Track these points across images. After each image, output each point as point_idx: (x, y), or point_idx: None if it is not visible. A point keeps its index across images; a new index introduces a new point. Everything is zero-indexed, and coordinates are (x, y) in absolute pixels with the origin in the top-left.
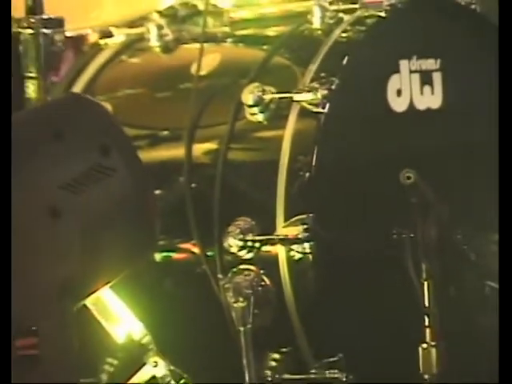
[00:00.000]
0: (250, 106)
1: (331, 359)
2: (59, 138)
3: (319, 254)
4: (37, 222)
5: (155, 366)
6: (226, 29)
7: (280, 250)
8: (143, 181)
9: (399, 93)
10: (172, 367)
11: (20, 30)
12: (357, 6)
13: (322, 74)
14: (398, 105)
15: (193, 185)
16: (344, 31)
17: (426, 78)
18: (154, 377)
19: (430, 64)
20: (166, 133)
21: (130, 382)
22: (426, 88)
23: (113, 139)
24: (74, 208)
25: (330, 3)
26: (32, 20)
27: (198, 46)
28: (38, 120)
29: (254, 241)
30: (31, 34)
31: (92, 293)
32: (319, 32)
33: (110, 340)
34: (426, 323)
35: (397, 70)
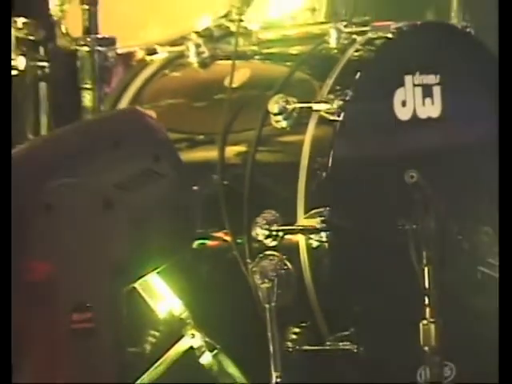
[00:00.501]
0: (275, 114)
1: (344, 333)
2: (118, 147)
3: (334, 241)
4: (92, 212)
5: (192, 338)
6: (255, 48)
7: (300, 239)
8: (186, 184)
9: (404, 104)
10: (206, 339)
11: (78, 47)
12: (367, 28)
13: (338, 87)
14: (403, 114)
15: (225, 182)
16: (356, 50)
17: (427, 91)
18: (191, 347)
19: (431, 79)
20: (202, 137)
21: (170, 351)
22: (427, 100)
23: (163, 149)
24: (125, 202)
25: (345, 26)
26: (88, 39)
27: (230, 62)
28: (101, 130)
29: (277, 230)
30: (87, 51)
31: (141, 277)
32: (335, 51)
33: (154, 315)
34: (426, 303)
35: (402, 84)
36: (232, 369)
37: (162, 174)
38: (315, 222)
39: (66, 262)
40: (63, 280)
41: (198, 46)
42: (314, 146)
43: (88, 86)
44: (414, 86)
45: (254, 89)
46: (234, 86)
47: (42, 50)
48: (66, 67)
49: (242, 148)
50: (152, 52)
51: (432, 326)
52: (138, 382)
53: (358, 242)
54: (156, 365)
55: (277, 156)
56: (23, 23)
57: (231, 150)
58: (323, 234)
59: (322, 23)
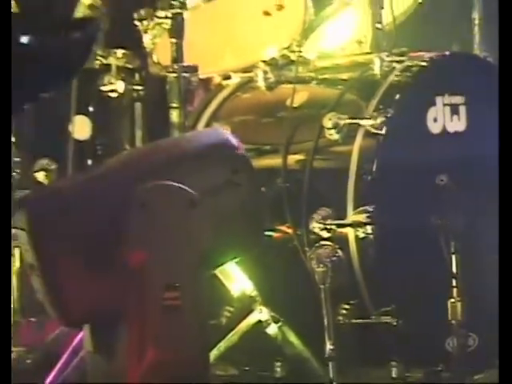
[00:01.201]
0: (329, 129)
1: (386, 309)
2: (203, 159)
3: (378, 233)
4: (180, 210)
5: (260, 313)
6: (312, 74)
7: (349, 231)
8: (258, 190)
9: (435, 120)
10: (272, 313)
11: (167, 73)
12: (405, 58)
13: (381, 107)
14: (435, 128)
15: (287, 185)
16: (396, 76)
17: (454, 110)
18: (259, 320)
19: (458, 99)
20: (268, 147)
21: (242, 323)
22: (455, 117)
23: (241, 163)
24: (208, 204)
25: (386, 56)
26: (175, 67)
27: (291, 86)
28: (190, 145)
29: (331, 224)
30: (175, 77)
31: (220, 265)
32: (378, 76)
33: (229, 294)
34: (453, 284)
35: (434, 104)
36: (293, 338)
37: (239, 183)
38: (362, 218)
39: (158, 251)
40: (157, 265)
41: (265, 72)
42: (360, 154)
43: (175, 105)
44: (444, 105)
45: (311, 108)
46: (294, 105)
47: (137, 76)
48: (157, 90)
49: (301, 157)
50: (227, 77)
51: (458, 304)
52: (216, 348)
53: (397, 233)
54: (230, 334)
55: (330, 163)
56: (122, 53)
57: (292, 159)
58: (368, 228)
59: (368, 53)
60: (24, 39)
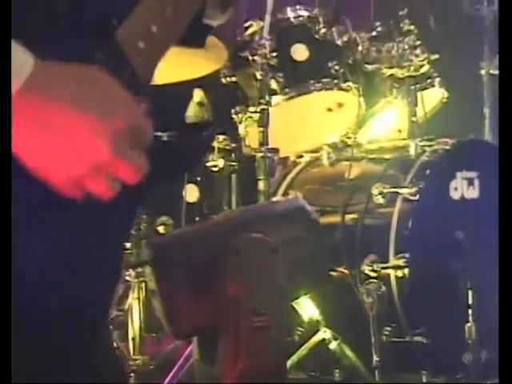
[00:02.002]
0: (376, 195)
1: (418, 331)
2: (284, 219)
3: (412, 274)
4: (265, 256)
5: (324, 332)
6: (363, 154)
7: (391, 272)
8: (323, 243)
9: (456, 189)
10: (333, 333)
11: (255, 153)
12: (433, 143)
13: (415, 180)
14: (455, 195)
15: (344, 236)
16: (426, 156)
17: (470, 182)
18: (323, 339)
19: (473, 174)
20: (330, 208)
21: (310, 341)
22: (471, 187)
23: (313, 224)
24: (285, 252)
25: (419, 141)
26: (262, 149)
27: (348, 163)
28: (274, 208)
29: (377, 267)
30: (261, 156)
31: (297, 298)
32: (413, 157)
33: (301, 318)
34: (469, 312)
35: (455, 177)
36: (348, 352)
37: (310, 240)
38: (400, 262)
39: (248, 285)
40: (247, 296)
41: (328, 153)
42: (400, 215)
43: (261, 177)
44: (462, 178)
45: (363, 180)
46: (350, 177)
47: (233, 155)
48: (248, 166)
49: (355, 215)
50: (300, 156)
51: (473, 327)
52: (291, 359)
53: (426, 274)
54: (302, 349)
55: (377, 221)
56: (223, 138)
57: (348, 217)
58: (405, 270)
59: (405, 139)
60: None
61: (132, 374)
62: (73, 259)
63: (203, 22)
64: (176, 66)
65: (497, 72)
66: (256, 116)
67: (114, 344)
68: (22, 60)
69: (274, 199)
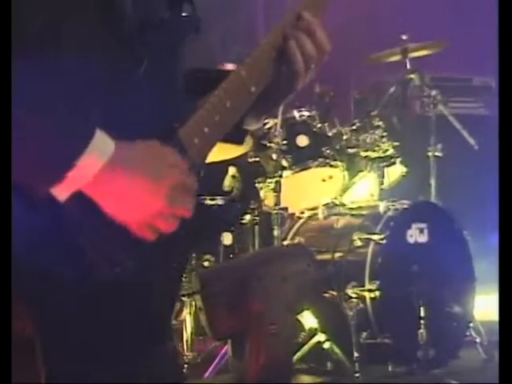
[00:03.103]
0: (355, 240)
1: (386, 335)
2: (292, 257)
3: (381, 295)
4: (278, 282)
5: (320, 336)
6: (347, 211)
7: (366, 294)
8: (319, 274)
9: (411, 236)
10: (326, 337)
11: (271, 211)
12: (396, 203)
13: (383, 229)
14: (411, 240)
15: (333, 269)
16: (391, 213)
17: (421, 231)
18: (319, 341)
19: (423, 225)
20: (324, 249)
21: (310, 342)
22: (421, 234)
23: (312, 260)
24: (292, 280)
25: (386, 202)
26: (276, 207)
27: (337, 217)
28: (284, 250)
29: (357, 290)
30: (276, 212)
31: (301, 311)
32: (382, 213)
33: (303, 326)
34: (421, 322)
35: (410, 227)
36: (337, 350)
37: (310, 271)
38: (373, 287)
39: (267, 304)
40: (266, 312)
41: (323, 210)
42: (372, 253)
43: (275, 227)
44: (416, 228)
45: (346, 228)
46: (338, 227)
47: (256, 212)
48: (266, 219)
49: (341, 254)
50: (302, 212)
51: (424, 332)
52: (296, 355)
53: (392, 295)
54: (304, 348)
55: (356, 258)
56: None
57: (336, 255)
58: (377, 292)
59: (375, 201)
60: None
61: (185, 366)
62: (150, 286)
63: (243, 127)
64: (219, 150)
65: (440, 154)
66: (272, 185)
67: (172, 344)
68: (105, 144)
69: (285, 243)
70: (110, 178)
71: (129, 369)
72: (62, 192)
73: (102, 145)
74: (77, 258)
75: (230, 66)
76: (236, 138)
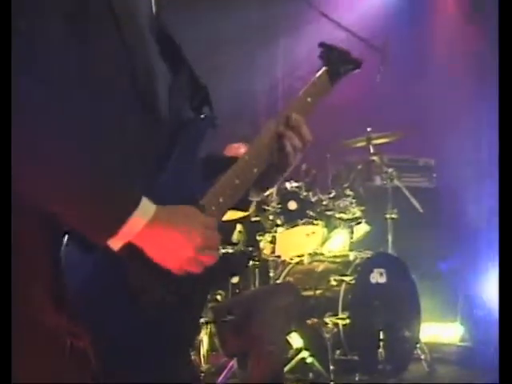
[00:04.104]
0: (332, 281)
1: (354, 353)
2: (283, 293)
3: (351, 322)
4: (273, 312)
5: (304, 353)
6: (324, 258)
7: (340, 321)
8: (302, 306)
9: (373, 278)
10: (309, 353)
11: (268, 258)
12: (362, 253)
13: (352, 273)
14: (373, 281)
15: (314, 303)
16: (358, 260)
17: (381, 274)
18: (303, 357)
19: (382, 270)
20: (307, 287)
21: (295, 358)
22: (381, 277)
23: (297, 297)
24: (283, 309)
25: (355, 252)
26: (271, 255)
27: (317, 263)
28: (276, 288)
29: (332, 319)
30: (272, 260)
31: (289, 333)
32: (351, 260)
33: (290, 345)
34: (381, 344)
35: (372, 272)
36: (317, 363)
37: (297, 304)
38: (345, 316)
39: (265, 328)
40: (264, 334)
41: (307, 258)
42: (344, 291)
43: (271, 270)
44: (377, 272)
45: (325, 272)
46: (318, 271)
47: (256, 259)
48: (264, 265)
49: (321, 291)
50: (291, 259)
51: (383, 352)
52: (286, 368)
53: (358, 323)
54: (292, 362)
55: (332, 294)
56: (249, 251)
57: (317, 292)
58: (347, 320)
59: (347, 251)
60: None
61: (202, 374)
62: (179, 314)
63: (248, 198)
64: (230, 213)
65: (395, 216)
66: (269, 238)
67: (193, 357)
68: (148, 207)
69: (278, 281)
70: (152, 232)
71: (161, 376)
72: (116, 243)
73: (146, 208)
74: (126, 290)
75: (236, 145)
76: (243, 206)
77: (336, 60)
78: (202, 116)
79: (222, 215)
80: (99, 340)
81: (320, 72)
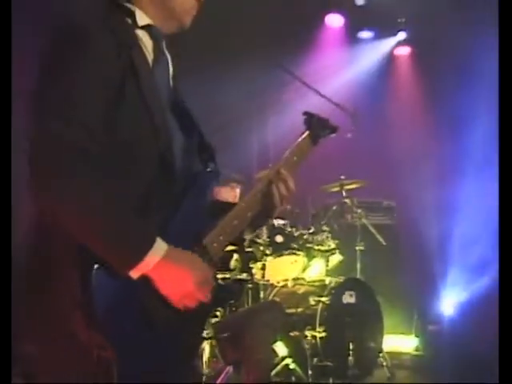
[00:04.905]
0: (311, 301)
1: (328, 359)
2: (269, 311)
3: (326, 335)
4: (261, 327)
5: (287, 360)
6: (305, 282)
7: (317, 334)
8: (286, 322)
9: (345, 299)
10: (293, 360)
11: (259, 282)
12: (336, 278)
13: (328, 294)
14: (345, 301)
15: (296, 319)
16: (333, 284)
17: (351, 295)
18: (287, 364)
19: (352, 293)
20: (291, 305)
21: (281, 364)
22: (351, 298)
23: (281, 314)
24: (269, 326)
25: (330, 278)
26: (262, 280)
27: (299, 286)
28: (264, 305)
29: (311, 332)
30: (263, 283)
31: (275, 342)
32: (327, 284)
33: (276, 353)
34: (350, 353)
35: (344, 294)
36: (298, 369)
37: (281, 319)
38: (321, 330)
39: (255, 341)
40: (254, 346)
41: (291, 282)
42: (321, 309)
43: (262, 291)
44: (347, 294)
45: (306, 294)
46: (300, 293)
47: (249, 282)
48: (256, 287)
49: (302, 309)
50: (278, 282)
51: (352, 359)
52: (272, 373)
53: (332, 336)
54: (277, 368)
55: (311, 311)
56: (246, 274)
57: (298, 310)
58: (323, 333)
59: (323, 277)
60: None
61: (204, 377)
62: (187, 329)
63: (243, 236)
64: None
65: (362, 248)
66: (260, 265)
67: (196, 363)
68: (161, 246)
69: (265, 302)
70: (163, 267)
71: (171, 378)
72: (135, 273)
73: (159, 247)
74: (142, 310)
75: (223, 189)
76: (238, 242)
77: (317, 126)
78: (209, 169)
79: (223, 250)
80: (120, 351)
81: (304, 135)
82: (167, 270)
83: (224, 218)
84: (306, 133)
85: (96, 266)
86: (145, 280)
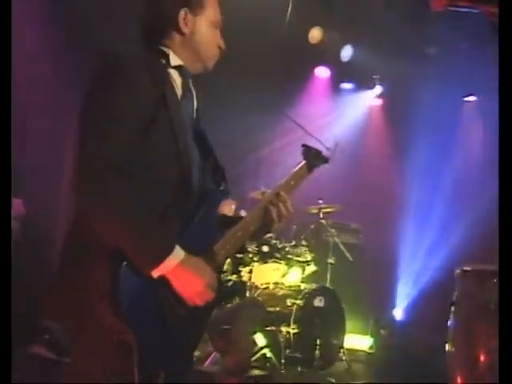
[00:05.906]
0: (288, 302)
1: (298, 354)
2: (252, 307)
3: (299, 334)
4: (247, 323)
5: (266, 349)
6: (284, 286)
7: (291, 330)
8: (267, 318)
9: (316, 302)
10: (269, 350)
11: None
12: (311, 285)
13: (303, 298)
14: (315, 304)
15: (274, 316)
16: (307, 290)
17: (320, 301)
18: (265, 353)
19: (321, 298)
20: (272, 304)
21: (260, 352)
22: (320, 302)
23: (263, 312)
24: (252, 321)
25: (305, 285)
26: (249, 282)
27: (279, 289)
28: (246, 302)
29: (286, 329)
30: (249, 285)
31: (254, 334)
32: (302, 289)
33: (256, 344)
34: (317, 353)
35: (315, 298)
36: (273, 358)
37: (263, 316)
38: (295, 327)
39: (240, 334)
40: (239, 338)
41: (272, 285)
42: (296, 310)
43: (247, 292)
44: (318, 299)
45: (284, 296)
46: (279, 295)
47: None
48: (244, 287)
49: (278, 308)
50: (262, 285)
51: (318, 353)
52: (252, 359)
53: (306, 336)
54: (256, 355)
55: (287, 310)
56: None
57: (277, 309)
58: (296, 330)
59: (299, 283)
60: None
61: (193, 359)
62: (193, 323)
63: (245, 246)
64: None
65: (332, 262)
66: (248, 269)
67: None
68: (179, 252)
69: (246, 299)
70: (179, 271)
71: (176, 363)
72: (155, 273)
73: (178, 253)
74: (157, 305)
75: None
76: (241, 250)
77: (312, 157)
78: (221, 188)
79: (228, 257)
80: (139, 335)
81: (301, 164)
82: (183, 273)
83: (230, 230)
84: (303, 162)
85: (125, 263)
86: (162, 280)
